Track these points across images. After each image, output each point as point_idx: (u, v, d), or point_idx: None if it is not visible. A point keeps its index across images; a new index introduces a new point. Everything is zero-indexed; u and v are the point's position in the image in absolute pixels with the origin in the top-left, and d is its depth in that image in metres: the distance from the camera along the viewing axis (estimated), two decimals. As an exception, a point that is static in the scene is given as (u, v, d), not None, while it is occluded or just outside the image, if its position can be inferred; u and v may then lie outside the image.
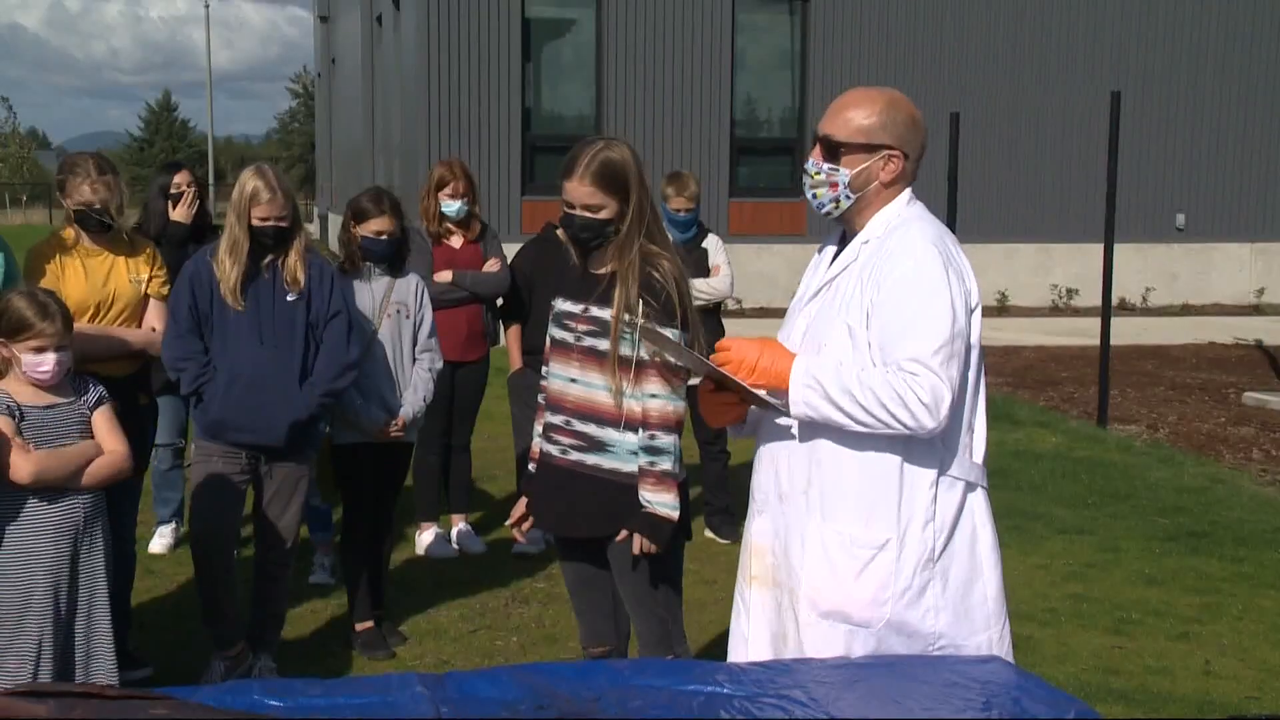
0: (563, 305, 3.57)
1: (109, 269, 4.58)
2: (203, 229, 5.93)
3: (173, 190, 5.75)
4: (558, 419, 3.54)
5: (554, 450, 3.55)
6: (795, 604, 2.90)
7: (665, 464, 3.42)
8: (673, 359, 3.36)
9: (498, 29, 15.60)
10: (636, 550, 3.42)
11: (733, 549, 6.49)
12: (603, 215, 3.44)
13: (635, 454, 3.45)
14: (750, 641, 3.03)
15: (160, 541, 6.27)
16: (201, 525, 4.60)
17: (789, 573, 2.92)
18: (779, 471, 2.95)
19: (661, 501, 3.42)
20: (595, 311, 3.45)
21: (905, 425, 2.70)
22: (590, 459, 3.48)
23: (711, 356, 2.92)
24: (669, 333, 3.33)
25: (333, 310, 4.59)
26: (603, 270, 3.49)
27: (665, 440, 3.41)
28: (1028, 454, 8.46)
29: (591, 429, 3.47)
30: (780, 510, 2.94)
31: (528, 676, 2.42)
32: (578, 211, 3.45)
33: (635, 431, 3.44)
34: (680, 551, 3.63)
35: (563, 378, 3.53)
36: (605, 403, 3.45)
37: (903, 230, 2.82)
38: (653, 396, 3.41)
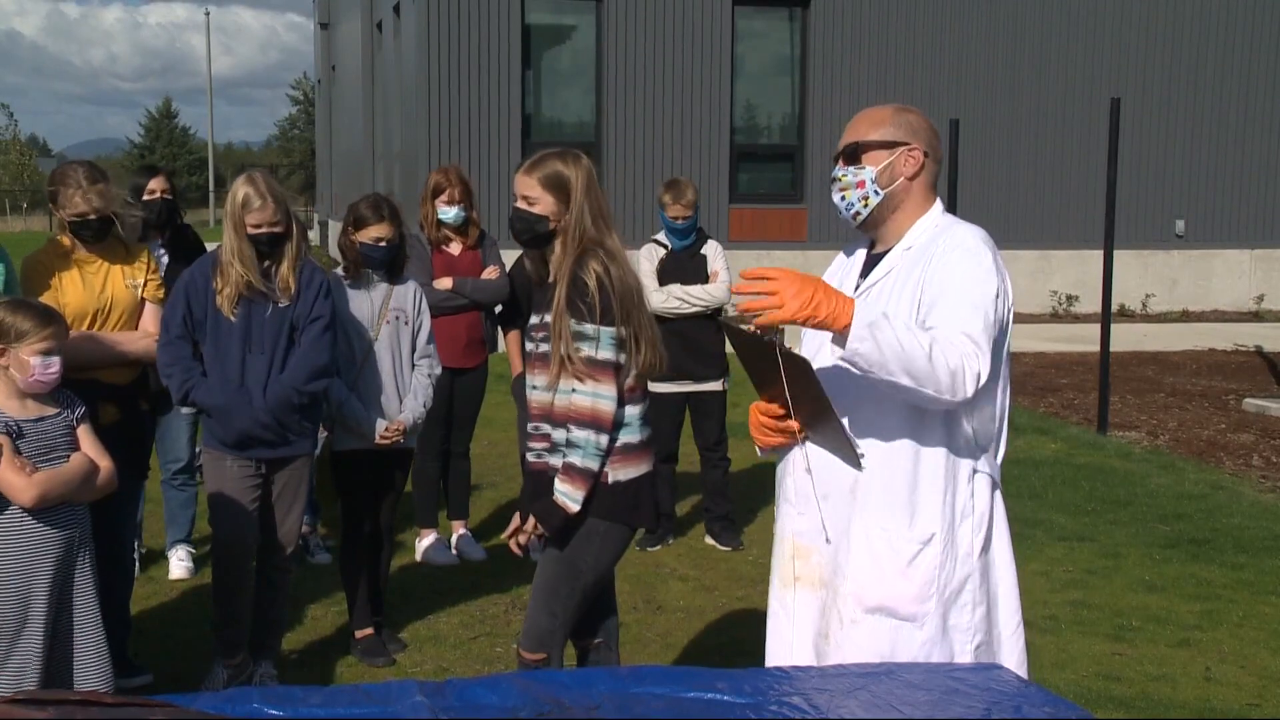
0: (533, 319, 3.70)
1: (105, 276, 4.57)
2: (176, 237, 5.89)
3: (146, 196, 5.75)
4: (531, 426, 3.70)
5: (531, 456, 3.72)
6: (839, 602, 2.92)
7: (574, 457, 3.51)
8: (752, 361, 3.06)
9: (498, 35, 15.61)
10: (529, 528, 3.57)
11: (732, 556, 6.48)
12: (536, 209, 3.55)
13: None
14: (794, 645, 3.04)
15: (181, 566, 6.04)
16: (225, 531, 4.60)
17: (834, 571, 2.94)
18: (820, 471, 2.95)
19: (564, 491, 3.52)
20: (547, 318, 3.58)
21: (945, 389, 2.65)
22: (555, 459, 3.60)
23: (753, 284, 2.66)
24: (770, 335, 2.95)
25: (313, 315, 4.57)
26: (554, 279, 3.60)
27: (577, 434, 3.49)
28: (1027, 460, 8.45)
29: (553, 431, 3.60)
30: (823, 510, 2.96)
31: (528, 683, 2.42)
32: (518, 203, 3.58)
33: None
34: (602, 565, 3.65)
35: (531, 386, 3.67)
36: (557, 405, 3.57)
37: (950, 232, 2.91)
38: (572, 391, 3.50)
